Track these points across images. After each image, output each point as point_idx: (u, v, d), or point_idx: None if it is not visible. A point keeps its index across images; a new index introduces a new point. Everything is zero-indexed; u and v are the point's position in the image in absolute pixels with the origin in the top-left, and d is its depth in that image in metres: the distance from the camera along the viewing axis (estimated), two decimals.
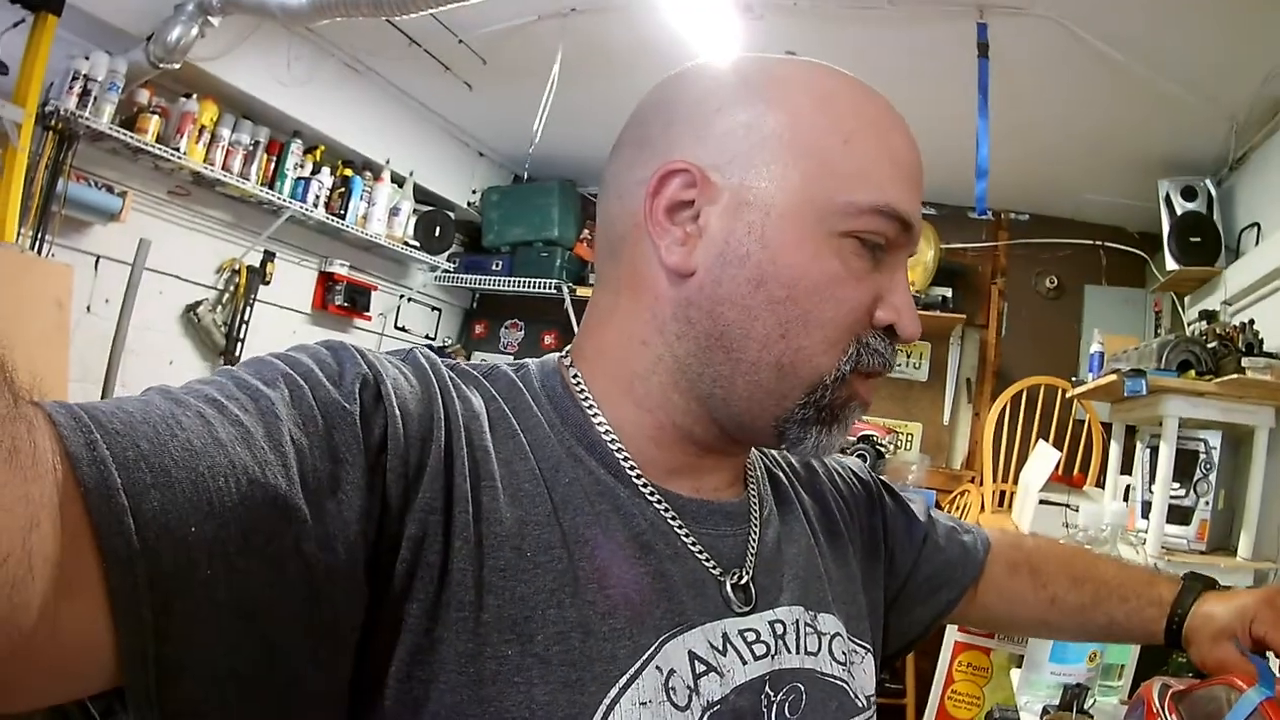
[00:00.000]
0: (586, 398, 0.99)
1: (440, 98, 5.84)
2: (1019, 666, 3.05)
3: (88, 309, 4.43)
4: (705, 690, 0.87)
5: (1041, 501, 4.47)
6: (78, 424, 0.58)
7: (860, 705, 1.06)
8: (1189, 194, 4.81)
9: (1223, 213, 4.78)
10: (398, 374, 0.84)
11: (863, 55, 4.41)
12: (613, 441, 0.96)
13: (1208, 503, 3.69)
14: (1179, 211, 4.82)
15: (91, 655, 0.57)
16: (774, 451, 1.26)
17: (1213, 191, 4.80)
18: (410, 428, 0.80)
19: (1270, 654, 1.24)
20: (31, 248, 4.06)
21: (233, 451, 0.65)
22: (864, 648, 1.14)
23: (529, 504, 0.86)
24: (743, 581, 0.98)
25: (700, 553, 0.96)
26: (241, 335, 5.25)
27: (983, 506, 5.58)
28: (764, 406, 0.95)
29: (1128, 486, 4.27)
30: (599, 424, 0.97)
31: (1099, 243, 6.35)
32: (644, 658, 0.84)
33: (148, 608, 0.57)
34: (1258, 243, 4.36)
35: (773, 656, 0.96)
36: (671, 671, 0.85)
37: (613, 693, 0.80)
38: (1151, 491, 3.78)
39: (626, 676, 0.82)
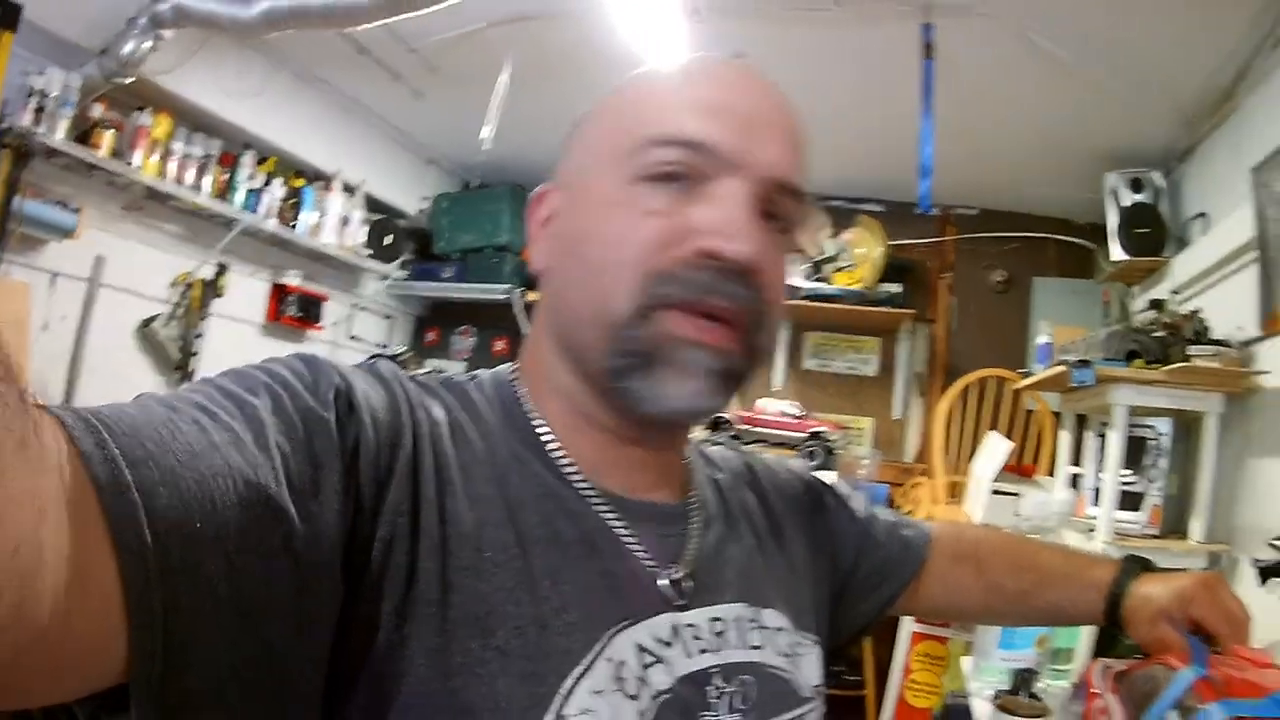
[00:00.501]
0: (524, 402, 1.04)
1: (390, 106, 5.84)
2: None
3: (45, 326, 4.39)
4: (654, 680, 0.92)
5: (994, 492, 4.52)
6: (86, 424, 0.60)
7: (806, 696, 1.10)
8: (1136, 186, 4.88)
9: (1170, 203, 4.85)
10: (365, 385, 0.87)
11: (809, 56, 4.47)
12: (551, 444, 1.01)
13: (1159, 488, 3.76)
14: (1126, 203, 4.88)
15: (101, 649, 0.58)
16: (713, 457, 1.30)
17: (1160, 183, 4.86)
18: (380, 435, 0.83)
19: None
20: None
21: (227, 454, 0.67)
22: (809, 641, 1.17)
23: (486, 506, 0.90)
24: (680, 579, 1.01)
25: (639, 550, 1.00)
26: (196, 349, 5.21)
27: (935, 499, 5.63)
28: (597, 365, 0.98)
29: (1075, 475, 4.32)
30: (539, 429, 1.02)
31: (1047, 235, 6.39)
32: (595, 650, 0.88)
33: (158, 600, 0.59)
34: (1205, 232, 4.41)
35: (716, 651, 1.00)
36: (622, 663, 0.89)
37: (568, 683, 0.84)
38: (1102, 479, 3.84)
39: (581, 668, 0.86)
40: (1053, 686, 2.69)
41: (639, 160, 0.95)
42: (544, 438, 1.01)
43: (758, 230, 0.95)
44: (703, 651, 0.98)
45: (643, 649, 0.93)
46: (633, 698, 0.89)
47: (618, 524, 1.00)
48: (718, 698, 0.97)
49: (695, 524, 1.10)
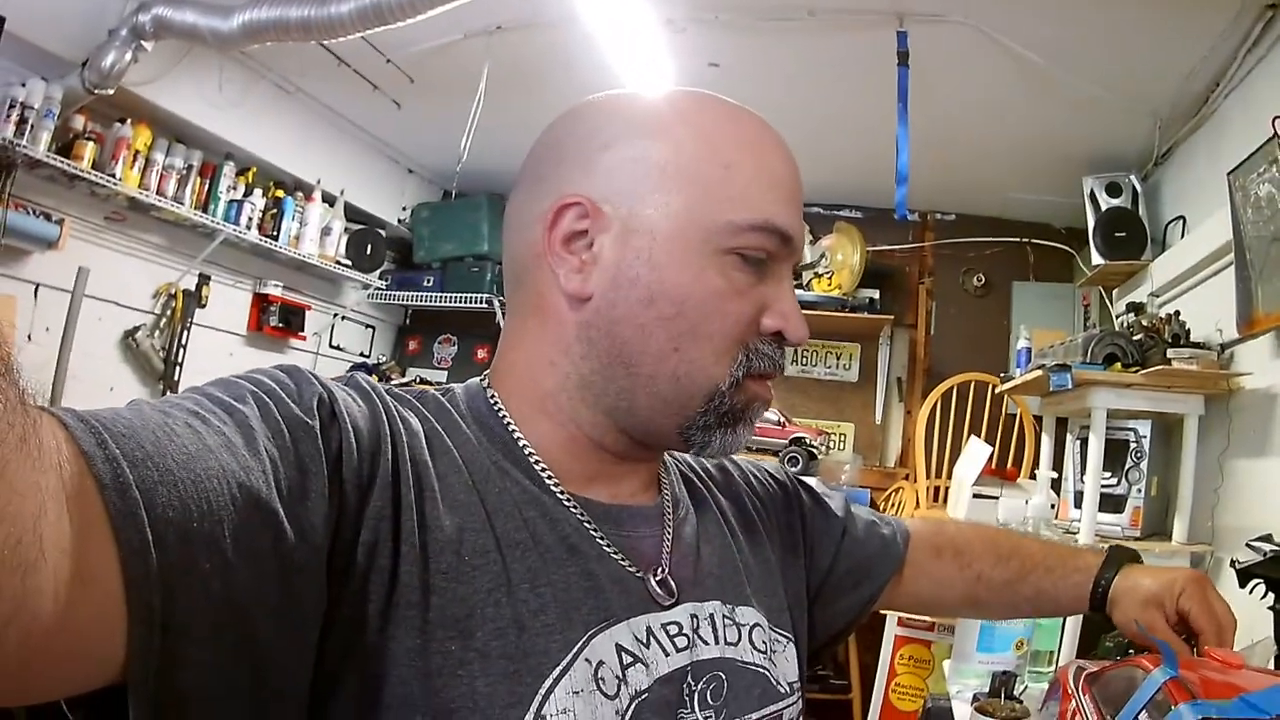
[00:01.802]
0: (505, 416, 1.05)
1: (369, 116, 5.83)
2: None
3: (28, 338, 4.38)
4: (633, 680, 0.94)
5: (975, 495, 4.53)
6: (85, 425, 0.62)
7: (783, 691, 1.13)
8: (1114, 190, 4.89)
9: (1148, 207, 4.87)
10: (345, 396, 0.90)
11: (784, 65, 4.49)
12: (531, 456, 1.03)
13: (1140, 490, 3.78)
14: (1104, 207, 4.90)
15: (100, 645, 0.60)
16: (688, 456, 1.33)
17: (1138, 187, 4.88)
18: (362, 443, 0.86)
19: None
20: None
21: (221, 457, 0.69)
22: (786, 637, 1.20)
23: (465, 512, 0.92)
24: (661, 578, 1.04)
25: (616, 554, 1.02)
26: (179, 359, 5.20)
27: (917, 503, 5.64)
28: (666, 416, 1.04)
29: (1053, 479, 4.35)
30: (519, 440, 1.04)
31: (1025, 240, 6.42)
32: (574, 651, 0.90)
33: (157, 596, 0.61)
34: (1183, 235, 4.44)
35: (692, 649, 1.02)
36: (600, 663, 0.91)
37: (547, 683, 0.86)
38: (1083, 481, 3.86)
39: (559, 668, 0.88)
40: (1032, 689, 2.70)
41: (739, 238, 1.01)
42: (527, 450, 1.03)
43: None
44: (679, 650, 1.00)
45: (622, 649, 0.94)
46: (611, 697, 0.90)
47: (596, 527, 1.02)
48: (690, 695, 0.99)
49: (670, 523, 1.13)
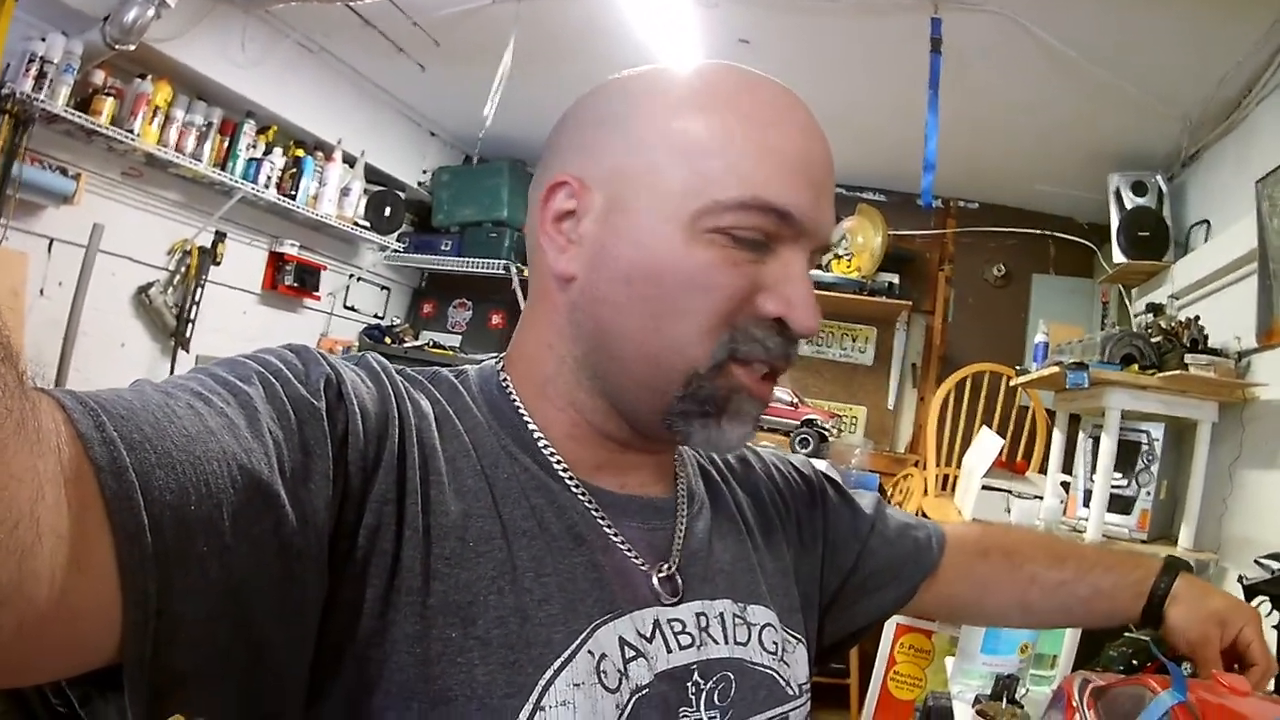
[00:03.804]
0: (515, 400, 1.04)
1: (393, 78, 5.82)
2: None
3: (41, 292, 4.39)
4: (634, 674, 0.92)
5: (984, 487, 4.52)
6: (84, 407, 0.61)
7: (791, 694, 1.10)
8: (1139, 189, 4.87)
9: (1173, 208, 4.83)
10: (354, 377, 0.88)
11: (816, 45, 4.45)
12: (540, 440, 1.01)
13: (1149, 493, 3.77)
14: (1129, 206, 4.87)
15: (96, 627, 0.60)
16: None
17: (1163, 187, 4.85)
18: (368, 425, 0.84)
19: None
20: None
21: (222, 439, 0.68)
22: (796, 638, 1.17)
23: (471, 498, 0.91)
24: (668, 573, 1.02)
25: (624, 545, 1.00)
26: (192, 316, 5.22)
27: (925, 490, 5.65)
28: (648, 401, 0.99)
29: (1064, 482, 4.33)
30: (528, 424, 1.02)
31: (1048, 233, 6.41)
32: (577, 642, 0.88)
33: (152, 580, 0.60)
34: (1207, 239, 4.41)
35: (699, 647, 1.00)
36: (603, 655, 0.90)
37: (548, 674, 0.85)
38: (1093, 481, 3.84)
39: (561, 659, 0.86)
40: (1034, 693, 2.69)
41: (726, 217, 0.94)
42: (535, 435, 1.01)
43: (814, 297, 0.99)
44: (685, 647, 0.99)
45: (625, 643, 0.93)
46: (612, 691, 0.89)
47: (605, 518, 1.01)
48: (697, 694, 0.98)
49: (684, 517, 1.11)
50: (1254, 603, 1.83)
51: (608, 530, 1.00)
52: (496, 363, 1.10)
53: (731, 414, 0.99)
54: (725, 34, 4.38)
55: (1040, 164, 5.64)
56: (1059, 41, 3.95)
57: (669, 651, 0.97)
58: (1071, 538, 1.58)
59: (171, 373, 4.94)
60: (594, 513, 1.00)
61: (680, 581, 1.03)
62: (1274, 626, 1.78)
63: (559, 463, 1.00)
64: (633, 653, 0.93)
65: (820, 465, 1.50)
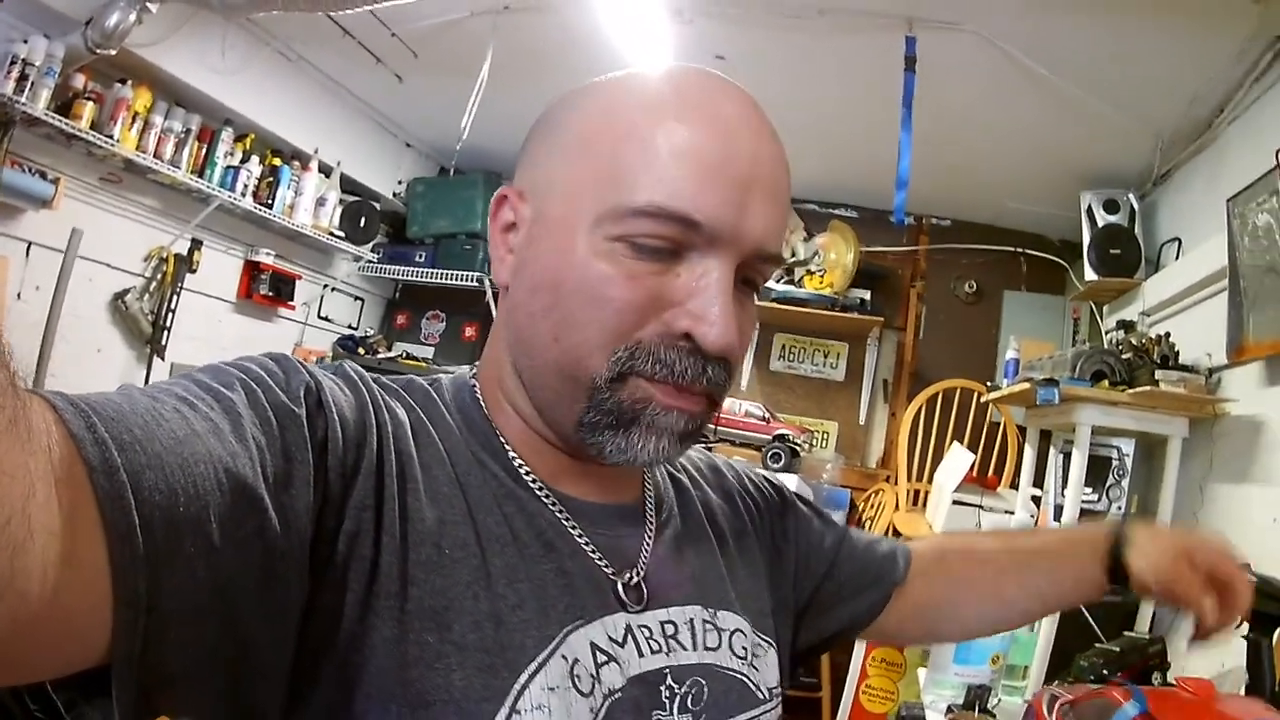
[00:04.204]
0: (486, 409, 1.06)
1: (371, 89, 5.82)
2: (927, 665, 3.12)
3: (18, 296, 4.36)
4: (606, 679, 0.93)
5: (956, 502, 4.55)
6: (76, 409, 0.62)
7: (762, 698, 1.12)
8: (1111, 207, 4.90)
9: (1144, 226, 4.88)
10: (333, 385, 0.89)
11: (791, 62, 4.48)
12: (507, 449, 1.03)
13: (1120, 508, 3.78)
14: (1100, 223, 4.91)
15: (85, 626, 0.60)
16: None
17: (1135, 205, 4.89)
18: (347, 432, 0.86)
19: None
20: None
21: (208, 442, 0.69)
22: (768, 642, 1.19)
23: (446, 505, 0.92)
24: (634, 581, 1.03)
25: (594, 553, 1.02)
26: (168, 324, 5.19)
27: (897, 505, 5.66)
28: (563, 411, 0.98)
29: (1035, 497, 4.36)
30: (497, 433, 1.04)
31: (1020, 250, 6.45)
32: (550, 647, 0.90)
33: (143, 579, 0.61)
34: (1178, 257, 4.45)
35: (669, 653, 1.02)
36: (576, 660, 0.91)
37: (523, 678, 0.86)
38: (1064, 496, 3.86)
39: (535, 664, 0.88)
40: (1006, 703, 2.72)
41: (626, 224, 0.91)
42: (503, 443, 1.03)
43: (735, 310, 0.93)
44: (655, 652, 1.00)
45: (596, 647, 0.94)
46: (586, 695, 0.90)
47: (576, 525, 1.02)
48: (669, 698, 0.99)
49: (652, 525, 1.12)
50: None
51: (577, 538, 1.01)
52: (471, 371, 1.12)
53: (645, 426, 0.96)
54: (701, 50, 4.39)
55: (1012, 181, 5.67)
56: (1032, 61, 3.99)
57: (640, 656, 0.99)
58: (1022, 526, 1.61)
59: (147, 381, 4.92)
60: (563, 520, 1.01)
61: (646, 590, 1.04)
62: (1244, 637, 1.80)
63: (526, 471, 1.02)
64: (604, 657, 0.94)
65: (791, 482, 1.51)
